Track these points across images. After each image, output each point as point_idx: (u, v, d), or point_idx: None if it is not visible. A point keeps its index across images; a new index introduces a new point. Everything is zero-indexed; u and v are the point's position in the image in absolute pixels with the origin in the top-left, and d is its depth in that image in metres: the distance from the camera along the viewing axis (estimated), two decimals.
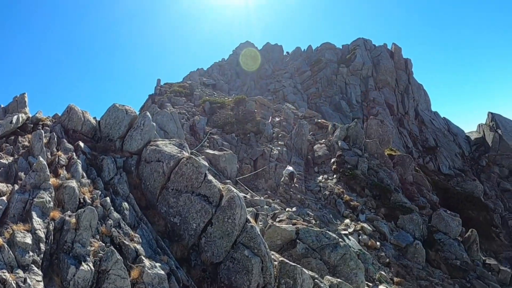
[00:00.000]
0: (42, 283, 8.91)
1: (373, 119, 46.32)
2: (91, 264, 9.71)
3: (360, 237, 24.77)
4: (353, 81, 74.61)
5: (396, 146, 55.58)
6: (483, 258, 29.06)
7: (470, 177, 60.85)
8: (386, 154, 40.37)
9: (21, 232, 9.66)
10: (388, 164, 38.30)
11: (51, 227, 10.35)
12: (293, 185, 31.86)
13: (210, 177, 14.40)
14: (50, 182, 11.82)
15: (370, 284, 19.92)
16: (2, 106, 22.15)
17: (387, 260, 23.62)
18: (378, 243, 24.82)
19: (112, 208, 12.40)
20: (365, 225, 26.28)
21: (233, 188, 14.08)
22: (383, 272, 21.70)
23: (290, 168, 33.60)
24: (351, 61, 78.48)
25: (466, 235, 29.83)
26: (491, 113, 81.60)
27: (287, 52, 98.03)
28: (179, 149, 16.07)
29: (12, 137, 16.26)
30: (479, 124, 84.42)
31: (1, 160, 13.83)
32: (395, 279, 21.80)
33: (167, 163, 15.02)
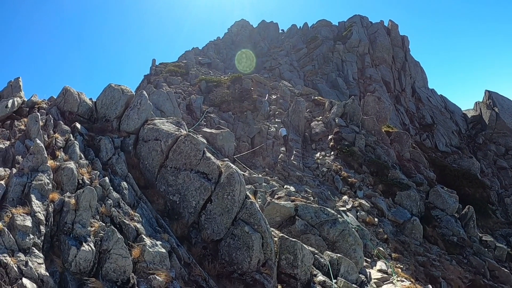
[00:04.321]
0: (43, 266, 8.90)
1: (370, 96, 46.25)
2: (92, 245, 9.69)
3: (358, 213, 24.91)
4: (350, 58, 74.16)
5: (393, 123, 55.56)
6: (480, 234, 29.31)
7: (466, 155, 60.97)
8: (383, 131, 40.40)
9: (21, 215, 9.61)
10: (385, 141, 38.35)
11: (50, 209, 10.31)
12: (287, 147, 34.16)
13: (208, 154, 14.34)
14: (48, 164, 11.74)
15: (369, 259, 20.08)
16: None
17: (385, 236, 23.80)
18: (376, 219, 24.98)
19: (111, 188, 12.35)
20: (363, 201, 26.43)
21: (232, 165, 14.03)
22: (381, 248, 21.87)
23: (284, 130, 35.98)
24: (347, 38, 77.94)
25: (463, 212, 30.03)
26: (488, 91, 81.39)
27: (283, 30, 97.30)
28: (176, 127, 15.98)
29: (8, 122, 16.14)
30: (476, 102, 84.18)
31: None
32: (393, 254, 21.99)
33: (165, 141, 14.95)
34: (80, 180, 12.13)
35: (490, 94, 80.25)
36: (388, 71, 75.74)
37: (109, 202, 11.60)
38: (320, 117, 42.88)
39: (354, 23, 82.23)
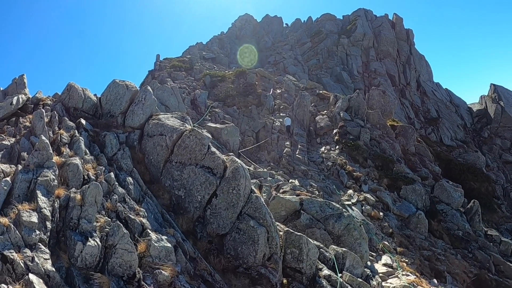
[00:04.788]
0: (50, 261, 8.95)
1: (375, 90, 46.11)
2: (98, 240, 9.73)
3: (363, 207, 24.90)
4: (354, 52, 73.97)
5: (398, 117, 55.43)
6: (485, 229, 29.22)
7: (472, 149, 60.77)
8: (388, 124, 40.30)
9: (27, 211, 9.66)
10: (390, 135, 38.27)
11: (56, 205, 10.35)
12: (290, 136, 35.39)
13: (213, 148, 14.35)
14: (53, 161, 11.77)
15: (374, 254, 20.09)
16: (1, 88, 22.07)
17: (390, 230, 23.79)
18: (381, 214, 24.96)
19: (116, 183, 12.38)
20: (368, 195, 26.40)
21: (237, 159, 14.02)
22: (386, 242, 21.87)
23: (288, 120, 36.95)
24: (351, 32, 77.69)
25: (468, 206, 29.93)
26: (494, 85, 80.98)
27: (287, 24, 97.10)
28: (181, 122, 15.98)
29: (13, 119, 16.23)
30: (481, 96, 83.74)
31: (3, 142, 13.81)
32: (398, 249, 21.97)
33: (170, 136, 14.96)
34: (85, 176, 12.17)
35: (495, 88, 79.84)
36: (393, 65, 75.51)
37: (114, 197, 11.64)
38: (325, 111, 42.83)
39: (358, 17, 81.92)
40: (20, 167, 11.41)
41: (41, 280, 8.25)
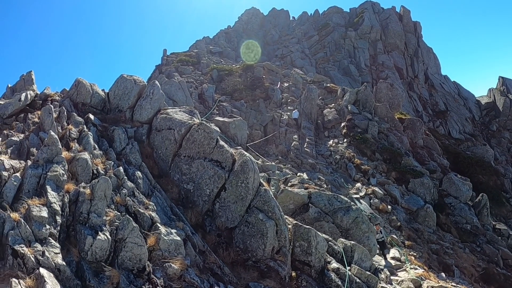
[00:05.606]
0: (60, 255, 9.03)
1: (382, 83, 45.89)
2: (107, 234, 9.80)
3: (372, 200, 24.87)
4: (362, 45, 73.54)
5: (406, 110, 55.15)
6: (493, 223, 29.15)
7: (480, 142, 60.37)
8: (396, 117, 40.14)
9: (37, 206, 9.73)
10: (398, 128, 38.13)
11: (66, 200, 10.43)
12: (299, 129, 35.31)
13: (222, 142, 14.36)
14: (62, 156, 11.85)
15: None
16: (9, 85, 22.24)
17: (399, 223, 23.76)
18: (389, 207, 24.93)
19: (125, 177, 12.44)
20: (376, 188, 26.36)
21: (245, 153, 14.02)
22: (394, 236, 21.84)
23: (296, 112, 37.50)
24: (359, 24, 77.22)
25: (476, 200, 29.83)
26: (502, 78, 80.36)
27: (293, 17, 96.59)
28: (189, 116, 16.00)
29: (22, 115, 16.34)
30: (489, 89, 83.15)
31: (12, 138, 13.92)
32: (406, 242, 21.96)
33: (178, 130, 14.98)
34: (94, 170, 12.23)
35: (504, 81, 79.24)
36: (400, 58, 75.03)
37: (123, 191, 11.69)
38: (333, 104, 42.73)
39: (365, 10, 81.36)
40: (29, 162, 11.48)
41: (51, 274, 8.32)
